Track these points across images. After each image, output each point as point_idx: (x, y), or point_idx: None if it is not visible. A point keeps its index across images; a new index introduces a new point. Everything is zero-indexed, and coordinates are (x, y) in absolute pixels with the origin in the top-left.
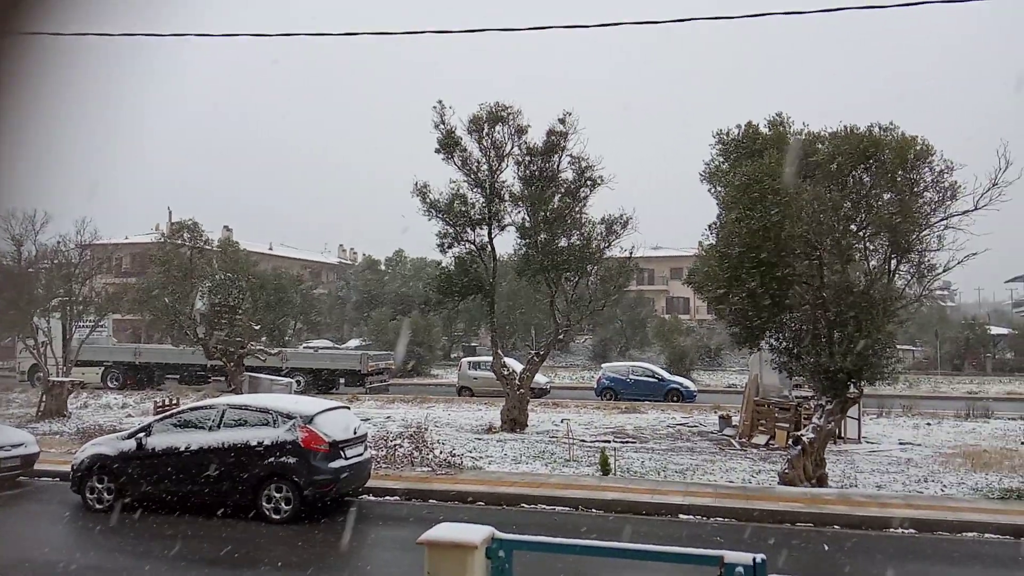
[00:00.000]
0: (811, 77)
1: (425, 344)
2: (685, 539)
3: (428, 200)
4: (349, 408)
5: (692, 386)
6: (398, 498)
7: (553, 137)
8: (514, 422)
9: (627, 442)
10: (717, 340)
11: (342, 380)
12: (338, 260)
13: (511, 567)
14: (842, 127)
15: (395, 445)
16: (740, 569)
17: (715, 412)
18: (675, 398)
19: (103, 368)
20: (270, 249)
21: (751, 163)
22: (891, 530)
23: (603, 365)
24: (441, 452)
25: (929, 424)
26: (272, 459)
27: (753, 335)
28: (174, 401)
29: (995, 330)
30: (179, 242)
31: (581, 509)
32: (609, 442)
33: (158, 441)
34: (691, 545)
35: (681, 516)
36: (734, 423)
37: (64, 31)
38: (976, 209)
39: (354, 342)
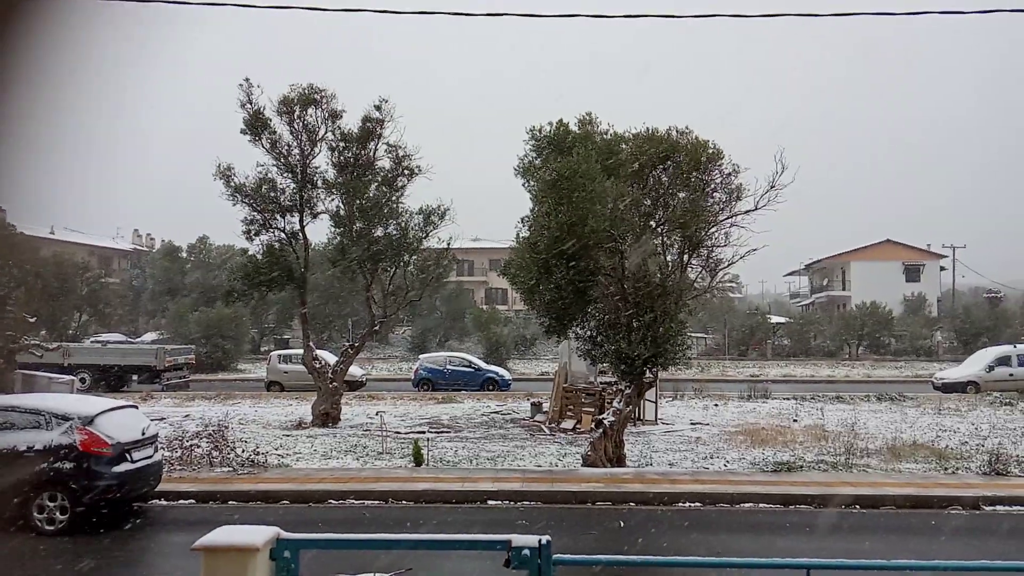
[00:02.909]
0: (621, 79)
1: (232, 337)
2: (491, 524)
3: (233, 184)
4: (138, 408)
5: (508, 375)
6: (193, 501)
7: (369, 124)
8: (326, 416)
9: (442, 432)
10: (532, 330)
11: (135, 377)
12: (132, 246)
13: (297, 568)
14: (644, 129)
15: (192, 445)
16: (527, 551)
17: (528, 399)
18: (491, 387)
19: None
20: (51, 233)
21: (561, 159)
22: (680, 504)
23: (421, 356)
24: (244, 451)
25: (717, 405)
26: (45, 465)
27: (561, 325)
28: None
29: (775, 319)
30: None
31: (391, 502)
32: (423, 433)
33: None
34: (497, 530)
35: (490, 502)
36: (545, 409)
37: None
38: (757, 209)
39: (150, 336)
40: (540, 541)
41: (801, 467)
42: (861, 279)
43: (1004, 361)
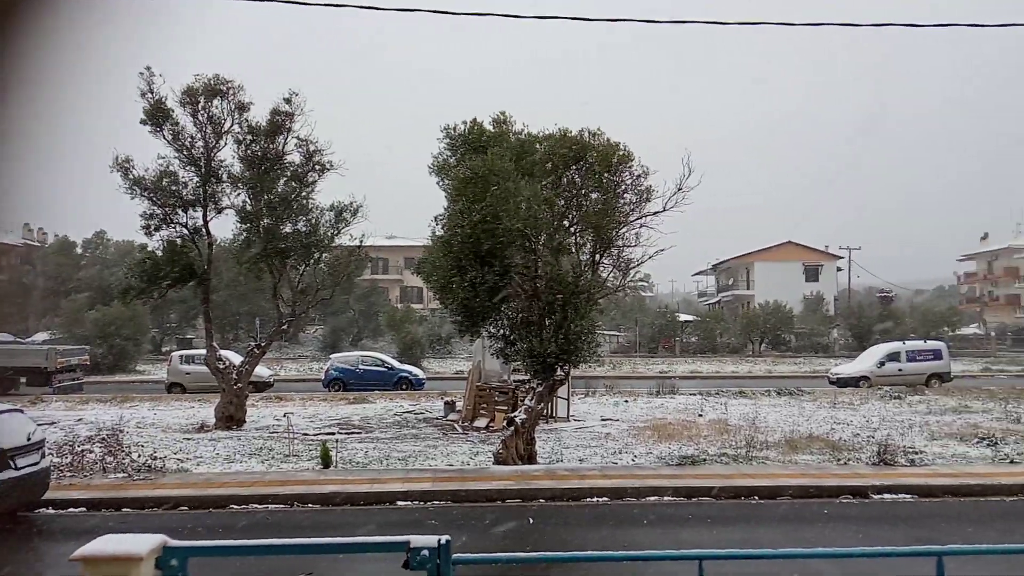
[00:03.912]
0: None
1: (130, 337)
2: (400, 525)
3: (131, 176)
4: (23, 411)
5: (421, 374)
6: (84, 509)
7: (278, 117)
8: (230, 419)
9: (352, 433)
10: (448, 329)
11: (23, 379)
12: (23, 241)
13: (186, 575)
14: (557, 129)
15: (84, 450)
16: (425, 552)
17: (442, 398)
18: (405, 387)
19: None
20: None
21: (475, 158)
22: (589, 499)
23: (332, 356)
24: (140, 456)
25: (627, 401)
26: None
27: (474, 323)
28: None
29: (684, 317)
30: None
31: (297, 505)
32: (333, 434)
33: None
34: (406, 531)
35: (400, 503)
36: (458, 408)
37: None
38: (665, 210)
39: (41, 336)
40: (439, 541)
41: (705, 460)
42: (764, 279)
43: (894, 357)
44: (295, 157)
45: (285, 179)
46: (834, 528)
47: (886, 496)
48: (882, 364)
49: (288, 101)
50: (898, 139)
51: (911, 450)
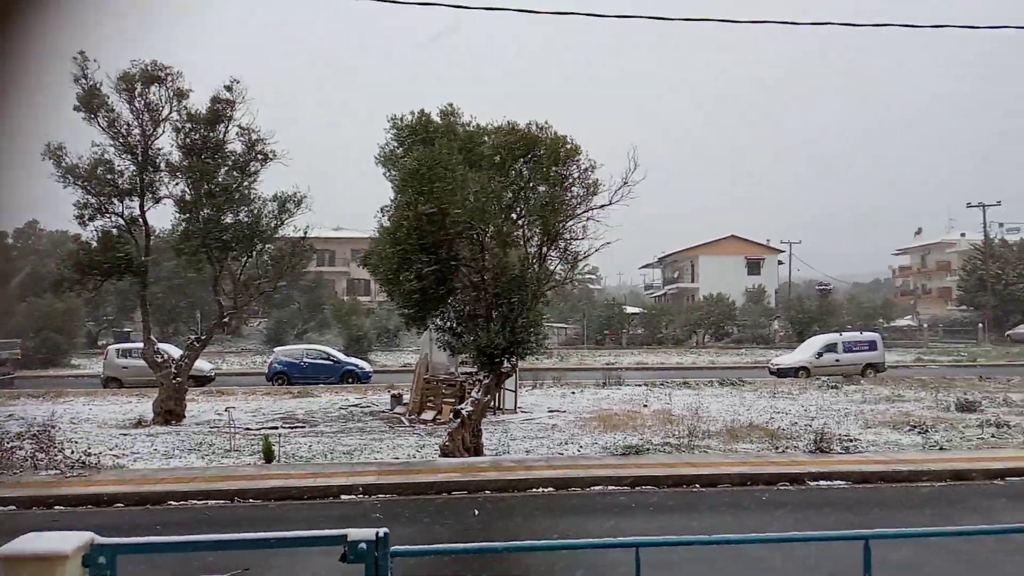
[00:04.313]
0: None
1: (64, 331)
2: (343, 519)
3: (64, 164)
4: None
5: (368, 367)
6: (14, 507)
7: (218, 105)
8: (169, 413)
9: (296, 427)
10: (396, 322)
11: None
12: None
13: (115, 574)
14: (505, 122)
15: (13, 447)
16: (363, 545)
17: (388, 391)
18: (351, 380)
19: None
20: None
21: (422, 149)
22: (535, 490)
23: (276, 349)
24: (73, 452)
25: (574, 393)
26: None
27: (421, 316)
28: None
29: (630, 309)
30: None
31: (238, 501)
32: (276, 428)
33: None
34: (349, 524)
35: (344, 497)
36: (405, 401)
37: None
38: (611, 204)
39: None
40: (378, 534)
41: (648, 450)
42: (708, 272)
43: (831, 348)
44: (237, 146)
45: (226, 168)
46: (772, 514)
47: (822, 483)
48: (820, 355)
49: (229, 89)
50: (842, 140)
51: (846, 438)
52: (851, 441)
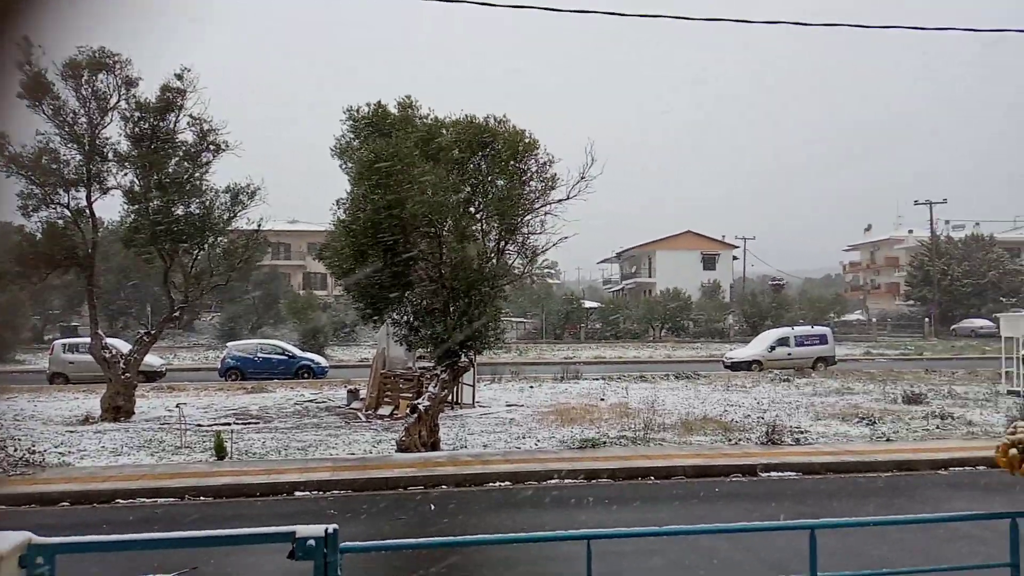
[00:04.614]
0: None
1: (8, 325)
2: (296, 516)
3: (7, 153)
4: None
5: (324, 362)
6: None
7: (169, 94)
8: (118, 410)
9: (250, 423)
10: (353, 316)
11: None
12: None
13: (54, 574)
14: (464, 116)
15: None
16: (312, 542)
17: (345, 387)
18: (306, 375)
19: None
20: None
21: (379, 141)
22: (491, 484)
23: (229, 344)
24: (17, 450)
25: (532, 387)
26: None
27: (378, 310)
28: None
29: (589, 304)
30: None
31: (188, 498)
32: (229, 425)
33: None
34: (302, 521)
35: (297, 493)
36: (362, 396)
37: None
38: (569, 198)
39: None
40: (327, 530)
41: (605, 443)
42: (665, 267)
43: (783, 342)
44: (188, 136)
45: (177, 159)
46: (725, 505)
47: (773, 474)
48: (773, 348)
49: (180, 77)
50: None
51: (797, 430)
52: (802, 433)
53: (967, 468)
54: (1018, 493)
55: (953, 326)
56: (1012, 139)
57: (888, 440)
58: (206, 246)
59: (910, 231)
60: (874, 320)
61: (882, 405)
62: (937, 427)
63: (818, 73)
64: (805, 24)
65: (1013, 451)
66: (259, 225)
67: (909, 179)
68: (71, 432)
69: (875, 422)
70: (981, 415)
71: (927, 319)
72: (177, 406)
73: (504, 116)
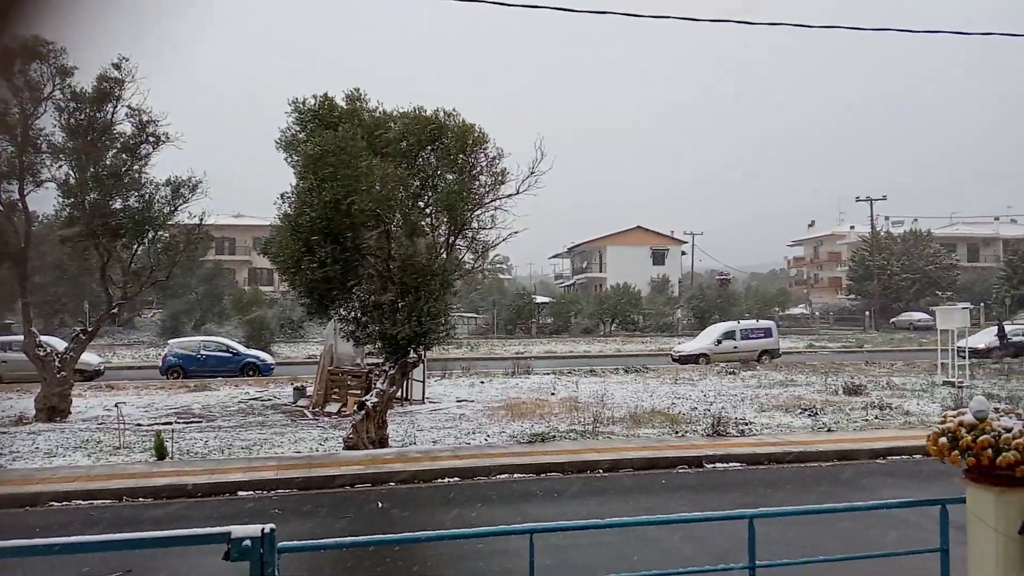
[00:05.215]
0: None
1: None
2: (239, 516)
3: None
4: None
5: (270, 359)
6: None
7: (106, 84)
8: (53, 410)
9: (192, 422)
10: (300, 312)
11: None
12: None
13: None
14: (412, 108)
15: None
16: (248, 542)
17: (291, 384)
18: (252, 372)
19: None
20: None
21: (325, 134)
22: (440, 480)
23: (170, 341)
24: None
25: (483, 382)
26: None
27: (324, 306)
28: None
29: (540, 299)
30: None
31: (126, 500)
32: (170, 424)
33: None
34: (246, 521)
35: (241, 493)
36: (308, 394)
37: None
38: (519, 193)
39: None
40: (263, 530)
41: (554, 437)
42: (615, 262)
43: (730, 335)
44: (126, 127)
45: (115, 151)
46: (671, 496)
47: (718, 465)
48: (719, 342)
49: (117, 67)
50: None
51: (742, 421)
52: (746, 424)
53: (904, 457)
54: (950, 480)
55: (892, 319)
56: (951, 138)
57: (829, 430)
58: (146, 241)
59: (852, 227)
60: (817, 314)
61: (824, 396)
62: (876, 417)
63: (766, 72)
64: (749, 23)
65: (943, 440)
66: (201, 219)
67: (853, 176)
68: (3, 433)
69: (817, 413)
70: (918, 405)
71: (867, 313)
72: (116, 405)
73: (454, 109)
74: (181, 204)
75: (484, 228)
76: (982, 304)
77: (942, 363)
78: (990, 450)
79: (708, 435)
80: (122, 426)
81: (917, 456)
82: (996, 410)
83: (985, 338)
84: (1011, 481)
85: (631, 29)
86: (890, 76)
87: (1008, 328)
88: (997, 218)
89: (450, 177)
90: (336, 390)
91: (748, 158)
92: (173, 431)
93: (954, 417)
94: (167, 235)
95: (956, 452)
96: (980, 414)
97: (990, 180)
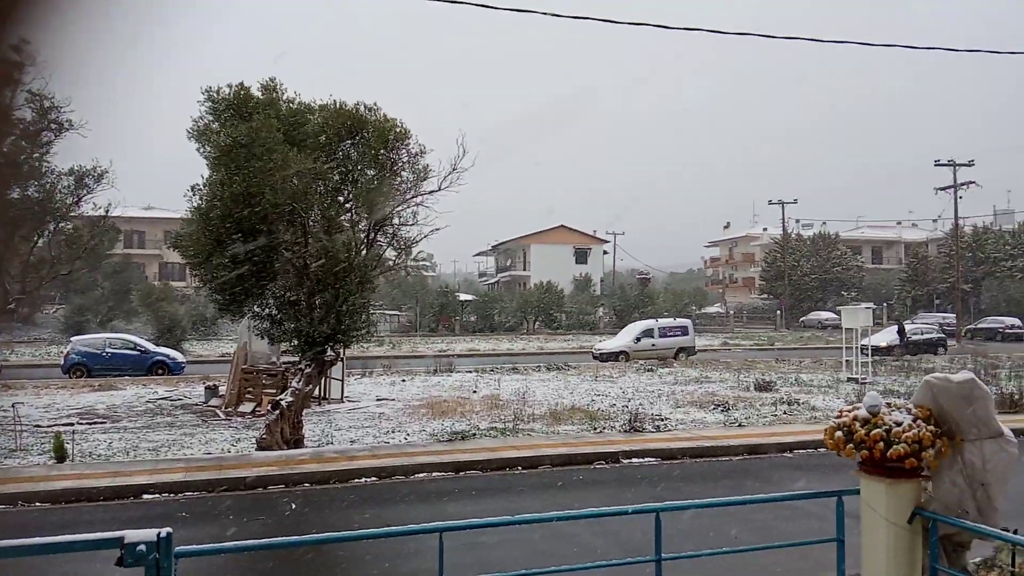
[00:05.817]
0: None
1: None
2: (143, 520)
3: None
4: None
5: (181, 357)
6: None
7: (2, 66)
8: None
9: (96, 423)
10: (213, 308)
11: None
12: None
13: None
14: (332, 101)
15: None
16: (142, 547)
17: (203, 383)
18: (161, 371)
19: None
20: None
21: (239, 125)
22: (357, 480)
23: (73, 338)
24: None
25: (404, 380)
26: None
27: (237, 303)
28: None
29: (464, 296)
30: None
31: (22, 504)
32: (72, 425)
33: None
34: (150, 525)
35: (146, 496)
36: (221, 393)
37: None
38: (441, 189)
39: None
40: (159, 534)
41: (475, 435)
42: (539, 260)
43: (648, 333)
44: (26, 113)
45: (13, 138)
46: (587, 492)
47: (634, 460)
48: (638, 340)
49: (17, 49)
50: (664, 136)
51: (658, 417)
52: (662, 420)
53: (810, 450)
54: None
55: (802, 318)
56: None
57: (740, 425)
58: (47, 233)
59: (764, 229)
60: (731, 312)
61: (736, 393)
62: (785, 413)
63: (684, 73)
64: (668, 27)
65: (838, 433)
66: (107, 211)
67: (769, 181)
68: None
69: (729, 409)
70: (824, 401)
71: (778, 311)
72: (12, 405)
73: (375, 104)
74: (85, 195)
75: (406, 224)
76: (885, 304)
77: (847, 360)
78: (882, 443)
79: (625, 431)
80: (19, 427)
81: (822, 450)
82: (888, 405)
83: (887, 336)
84: (901, 473)
85: (558, 29)
86: (811, 86)
87: (908, 327)
88: (899, 222)
89: (371, 172)
90: (250, 389)
91: (672, 163)
92: (75, 432)
93: (849, 412)
94: (70, 227)
95: (851, 445)
96: (873, 409)
97: (893, 185)
